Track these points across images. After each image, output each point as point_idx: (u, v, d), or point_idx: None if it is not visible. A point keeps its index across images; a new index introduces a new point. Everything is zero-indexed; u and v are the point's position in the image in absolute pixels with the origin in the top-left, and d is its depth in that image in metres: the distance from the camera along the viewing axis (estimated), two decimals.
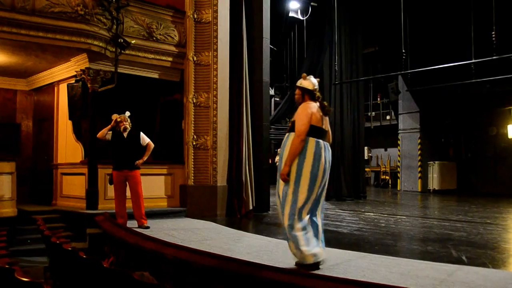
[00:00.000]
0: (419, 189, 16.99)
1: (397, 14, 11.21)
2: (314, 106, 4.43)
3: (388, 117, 21.30)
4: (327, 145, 4.46)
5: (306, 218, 4.31)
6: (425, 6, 13.41)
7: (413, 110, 17.37)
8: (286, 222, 4.31)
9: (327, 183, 4.50)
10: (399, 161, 18.22)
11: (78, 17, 7.71)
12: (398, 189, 18.02)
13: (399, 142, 18.17)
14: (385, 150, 21.59)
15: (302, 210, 4.27)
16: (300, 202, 4.25)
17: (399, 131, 18.11)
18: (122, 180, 7.18)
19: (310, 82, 4.55)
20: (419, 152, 17.24)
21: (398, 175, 18.27)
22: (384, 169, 20.72)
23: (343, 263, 4.80)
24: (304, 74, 4.65)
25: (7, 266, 2.70)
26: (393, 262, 4.93)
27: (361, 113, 14.68)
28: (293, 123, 4.38)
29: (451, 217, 9.43)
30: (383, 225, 8.28)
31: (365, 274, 4.23)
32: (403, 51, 10.53)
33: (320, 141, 4.35)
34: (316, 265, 4.34)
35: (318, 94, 4.57)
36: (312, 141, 4.30)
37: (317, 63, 14.40)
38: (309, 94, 4.51)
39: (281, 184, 4.39)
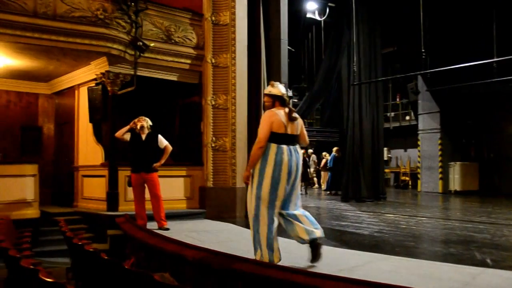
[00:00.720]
0: (440, 190, 16.73)
1: (416, 13, 11.09)
2: (277, 113, 4.65)
3: (407, 118, 21.05)
4: (293, 148, 4.70)
5: (272, 221, 4.57)
6: (444, 4, 13.25)
7: (433, 110, 17.12)
8: (252, 225, 4.63)
9: (297, 182, 4.76)
10: (419, 162, 18.00)
11: (98, 21, 7.81)
12: (418, 190, 17.78)
13: (419, 142, 17.93)
14: (405, 151, 21.35)
15: (269, 213, 4.56)
16: (264, 206, 4.54)
17: (419, 132, 17.88)
18: (141, 182, 7.23)
19: (278, 89, 4.79)
20: (439, 152, 16.98)
21: (418, 176, 18.04)
22: (404, 170, 20.50)
23: (364, 265, 4.76)
24: (272, 82, 4.93)
25: (31, 267, 2.74)
26: (415, 264, 4.87)
27: (380, 114, 14.53)
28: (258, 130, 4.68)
29: (474, 218, 9.27)
30: (403, 226, 8.18)
31: (386, 276, 4.18)
32: (423, 50, 10.40)
33: (283, 146, 4.59)
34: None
35: (287, 99, 4.83)
36: (273, 147, 4.56)
37: (335, 64, 14.32)
38: (279, 100, 4.75)
39: (248, 188, 4.70)
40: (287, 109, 4.72)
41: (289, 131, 4.66)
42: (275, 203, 4.59)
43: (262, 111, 9.54)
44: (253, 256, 4.66)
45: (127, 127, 7.27)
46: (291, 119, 4.68)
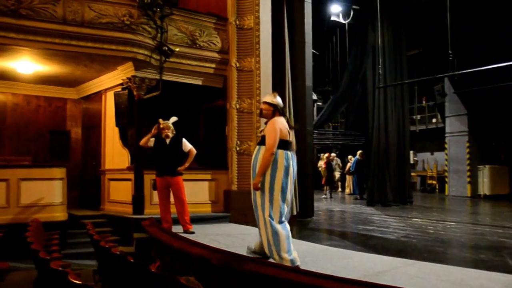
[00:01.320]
0: (469, 194, 16.41)
1: (442, 14, 10.90)
2: (283, 121, 4.97)
3: (434, 120, 20.73)
4: (293, 154, 5.00)
5: (286, 223, 4.83)
6: (471, 3, 12.99)
7: (461, 112, 16.83)
8: (269, 229, 4.75)
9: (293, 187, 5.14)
10: (446, 165, 17.69)
11: (125, 27, 7.93)
12: (446, 194, 17.48)
13: (446, 145, 17.65)
14: (432, 154, 21.02)
15: (281, 216, 4.79)
16: (276, 209, 4.76)
17: (446, 135, 17.59)
18: (165, 186, 7.26)
19: (278, 100, 5.11)
20: (467, 156, 16.67)
21: (446, 179, 17.73)
22: (430, 173, 20.16)
23: (391, 271, 4.68)
24: (275, 93, 5.27)
25: (61, 269, 2.78)
26: (444, 270, 4.76)
27: (406, 117, 14.35)
28: (263, 137, 4.88)
29: (505, 223, 9.05)
30: (431, 231, 8.04)
31: (414, 282, 4.10)
32: (450, 52, 10.19)
33: (288, 152, 4.87)
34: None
35: (285, 110, 5.21)
36: (282, 153, 4.80)
37: (360, 67, 14.24)
38: (278, 110, 5.04)
39: (257, 194, 4.84)
40: (285, 119, 5.06)
41: (290, 139, 4.97)
42: (285, 206, 4.83)
43: (287, 116, 9.57)
44: (271, 259, 4.79)
45: (149, 135, 7.30)
46: (290, 127, 5.02)
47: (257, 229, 5.07)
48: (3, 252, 5.83)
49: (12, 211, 7.56)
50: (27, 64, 8.68)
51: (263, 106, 5.13)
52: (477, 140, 16.68)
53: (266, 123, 5.08)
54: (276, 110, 5.03)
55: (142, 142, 7.36)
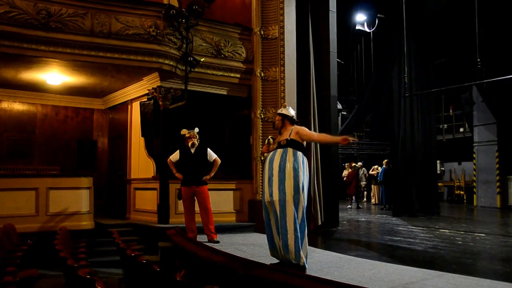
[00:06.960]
0: (498, 205, 15.99)
1: (469, 22, 10.73)
2: None
3: (461, 130, 20.36)
4: None
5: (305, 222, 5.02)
6: (499, 11, 12.76)
7: (490, 121, 16.47)
8: (299, 229, 4.87)
9: None
10: (474, 176, 17.31)
11: (150, 38, 8.05)
12: (474, 204, 17.08)
13: (474, 155, 17.28)
14: (459, 164, 20.60)
15: (305, 216, 4.99)
16: (304, 209, 4.95)
17: (475, 144, 17.23)
18: (191, 195, 7.30)
19: (291, 111, 5.41)
20: (497, 165, 16.28)
21: (474, 190, 17.34)
22: (458, 183, 19.76)
23: (419, 282, 4.59)
24: (285, 103, 5.78)
25: (88, 277, 2.81)
26: (474, 282, 4.64)
27: (432, 126, 14.12)
28: (290, 141, 5.08)
29: None
30: (459, 242, 7.86)
31: None
32: (478, 60, 10.00)
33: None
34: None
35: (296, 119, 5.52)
36: (305, 158, 5.11)
37: (386, 76, 14.09)
38: (288, 119, 5.35)
39: (288, 194, 4.89)
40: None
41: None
42: (305, 209, 5.03)
43: (312, 125, 9.54)
44: (297, 264, 4.86)
45: (175, 171, 7.42)
46: None
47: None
48: (32, 259, 5.93)
49: (41, 219, 7.72)
50: (56, 75, 8.89)
51: (276, 118, 5.48)
52: (507, 149, 16.28)
53: (280, 133, 5.34)
54: (285, 119, 5.34)
55: (169, 163, 7.44)
